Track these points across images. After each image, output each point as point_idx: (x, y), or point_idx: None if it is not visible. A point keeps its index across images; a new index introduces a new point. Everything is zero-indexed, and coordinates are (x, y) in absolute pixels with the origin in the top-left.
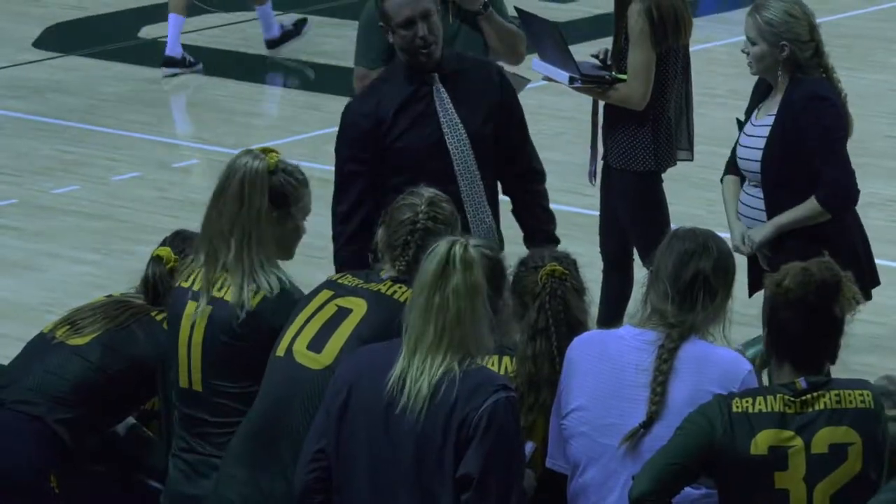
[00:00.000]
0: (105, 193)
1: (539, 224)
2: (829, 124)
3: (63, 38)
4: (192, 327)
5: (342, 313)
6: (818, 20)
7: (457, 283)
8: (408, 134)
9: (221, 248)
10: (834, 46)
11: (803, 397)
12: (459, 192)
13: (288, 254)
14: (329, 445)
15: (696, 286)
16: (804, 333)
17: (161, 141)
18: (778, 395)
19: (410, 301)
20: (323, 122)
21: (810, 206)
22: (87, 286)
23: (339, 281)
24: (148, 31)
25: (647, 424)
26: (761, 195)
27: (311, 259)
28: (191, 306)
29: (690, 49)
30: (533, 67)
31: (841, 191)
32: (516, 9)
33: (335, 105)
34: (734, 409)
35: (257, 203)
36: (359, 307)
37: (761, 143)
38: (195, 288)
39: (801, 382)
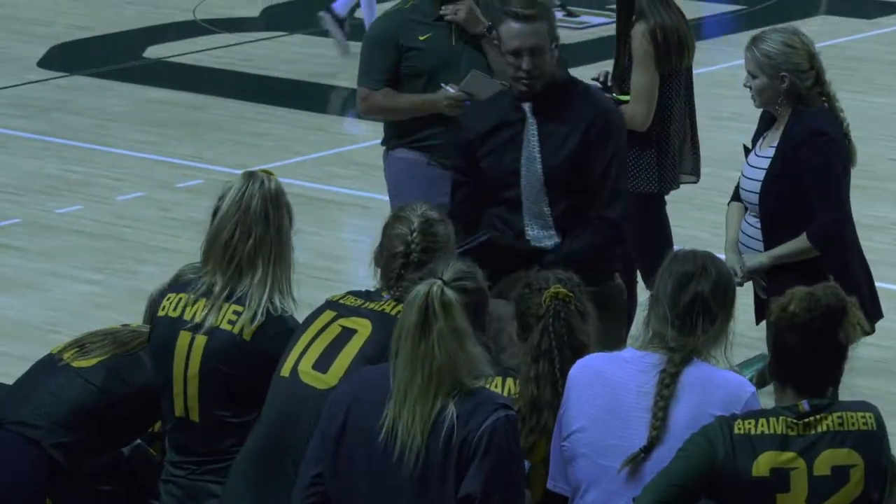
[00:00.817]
0: (109, 213)
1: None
2: (827, 161)
3: (68, 58)
4: (188, 359)
5: (347, 334)
6: (823, 43)
7: (440, 330)
8: (491, 156)
9: (244, 274)
10: (838, 70)
11: (806, 419)
12: (524, 224)
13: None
14: (327, 469)
15: (694, 309)
16: (808, 358)
17: (165, 161)
18: (780, 418)
19: (394, 344)
20: (327, 143)
21: (801, 241)
22: (90, 306)
23: (341, 301)
24: (153, 52)
25: (648, 449)
26: (757, 224)
27: (316, 280)
28: (184, 337)
29: (695, 71)
30: None
31: (830, 230)
32: None
33: (339, 126)
34: (736, 431)
35: (281, 222)
36: (363, 327)
37: (762, 174)
38: (186, 318)
39: (804, 405)
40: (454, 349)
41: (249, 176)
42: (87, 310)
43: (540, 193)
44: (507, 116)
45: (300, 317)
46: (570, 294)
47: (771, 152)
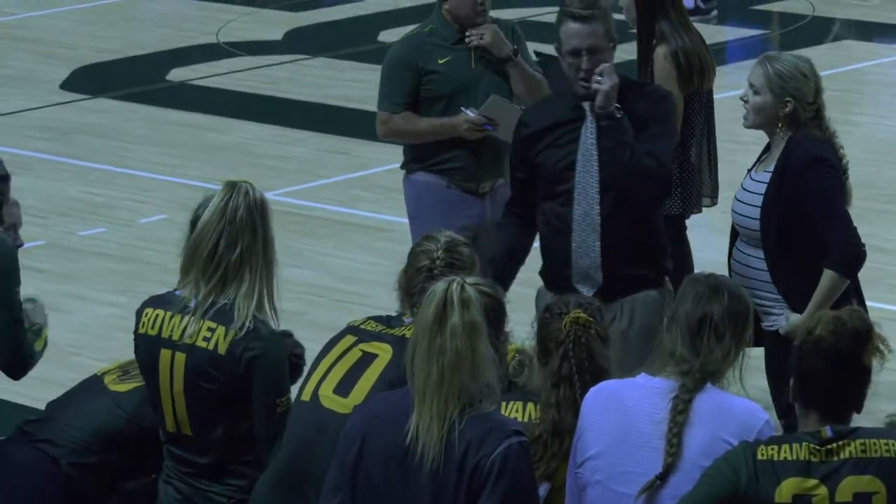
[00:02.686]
0: (132, 236)
1: None
2: (828, 185)
3: (91, 80)
4: (172, 376)
5: (368, 358)
6: (844, 68)
7: (454, 323)
8: (547, 152)
9: (229, 285)
10: (860, 94)
11: (829, 446)
12: (573, 214)
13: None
14: (346, 497)
15: (705, 329)
16: (833, 382)
17: (188, 184)
18: (803, 444)
19: (412, 345)
20: (350, 167)
21: (829, 280)
22: (113, 328)
23: (362, 326)
24: (176, 74)
25: (664, 476)
26: (754, 253)
27: (337, 303)
28: (165, 355)
29: (716, 95)
30: None
31: (849, 252)
32: (536, 53)
33: (361, 149)
34: (759, 457)
35: (268, 232)
36: (384, 352)
37: (756, 199)
38: (164, 335)
39: (827, 431)
40: (465, 345)
41: (232, 186)
42: (110, 332)
43: (592, 189)
44: (566, 115)
45: (322, 340)
46: (591, 319)
47: (766, 177)
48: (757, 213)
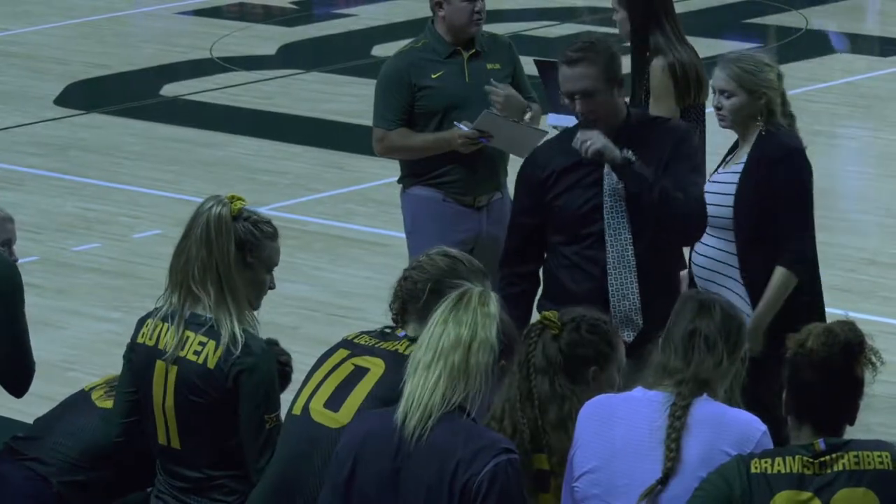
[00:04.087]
0: (126, 251)
1: None
2: (804, 178)
3: (85, 96)
4: (165, 389)
5: (359, 373)
6: (839, 81)
7: (470, 308)
8: (567, 194)
9: (199, 297)
10: (855, 107)
11: (822, 458)
12: (607, 258)
13: (252, 305)
14: None
15: (694, 340)
16: (826, 394)
17: (182, 199)
18: (797, 456)
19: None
20: (344, 181)
21: (782, 277)
22: (108, 344)
23: (355, 340)
24: (170, 89)
25: (664, 481)
26: (717, 245)
27: (332, 317)
28: (160, 367)
29: (712, 109)
30: (549, 121)
31: (809, 255)
32: (535, 61)
33: (356, 163)
34: (752, 470)
35: (224, 248)
36: (376, 367)
37: (727, 189)
38: (161, 347)
39: (820, 444)
40: (469, 334)
41: (205, 202)
42: (104, 348)
43: (624, 230)
44: (581, 156)
45: (316, 354)
46: (555, 322)
47: (738, 168)
48: (726, 202)
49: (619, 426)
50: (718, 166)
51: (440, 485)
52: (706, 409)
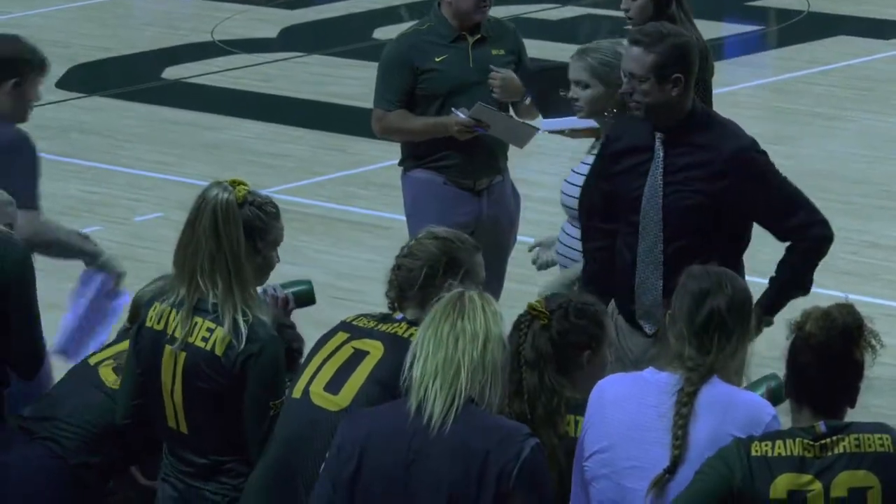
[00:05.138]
0: (127, 234)
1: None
2: None
3: (87, 79)
4: (173, 374)
5: (359, 356)
6: (840, 64)
7: (477, 306)
8: (621, 177)
9: (206, 287)
10: (856, 90)
11: (822, 441)
12: (638, 249)
13: (260, 286)
14: None
15: (711, 326)
16: (825, 378)
17: (183, 182)
18: (797, 439)
19: (423, 326)
20: (346, 164)
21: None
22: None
23: (355, 323)
24: (171, 72)
25: (672, 469)
26: (576, 234)
27: (334, 300)
28: (168, 353)
29: (715, 91)
30: (543, 128)
31: None
32: (520, 74)
33: (358, 146)
34: (753, 453)
35: (233, 237)
36: (375, 349)
37: (582, 180)
38: (168, 332)
39: (821, 426)
40: (481, 331)
41: (207, 189)
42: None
43: (656, 227)
44: (643, 141)
45: (317, 337)
46: (543, 311)
47: (591, 159)
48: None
49: (628, 408)
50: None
51: (465, 478)
52: (714, 393)
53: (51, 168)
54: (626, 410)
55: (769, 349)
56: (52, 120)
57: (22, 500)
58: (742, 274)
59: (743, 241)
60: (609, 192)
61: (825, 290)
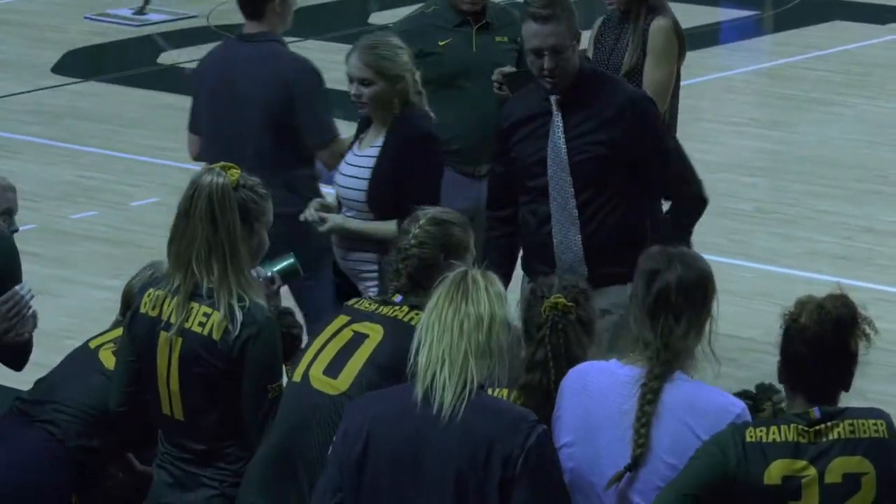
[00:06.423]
0: (124, 219)
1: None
2: (440, 159)
3: (82, 64)
4: (169, 360)
5: (358, 339)
6: (836, 48)
7: (481, 289)
8: (520, 145)
9: (202, 274)
10: (852, 75)
11: (817, 427)
12: (550, 210)
13: (254, 268)
14: (348, 498)
15: (659, 309)
16: (819, 368)
17: (180, 166)
18: (792, 425)
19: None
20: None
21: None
22: (106, 312)
23: (356, 306)
24: (167, 57)
25: (633, 467)
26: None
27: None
28: (163, 338)
29: (710, 76)
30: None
31: None
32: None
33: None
34: (748, 439)
35: (230, 222)
36: (375, 332)
37: (362, 173)
38: (164, 317)
39: (815, 412)
40: (487, 311)
41: (200, 174)
42: (102, 316)
43: (566, 184)
44: (537, 108)
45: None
46: (571, 304)
47: (373, 151)
48: (361, 186)
49: (593, 401)
50: (352, 144)
51: (472, 463)
52: (678, 393)
53: (46, 154)
54: (591, 405)
55: (766, 335)
56: (48, 105)
57: (20, 482)
58: (660, 217)
59: (652, 188)
60: (502, 172)
61: (821, 276)
